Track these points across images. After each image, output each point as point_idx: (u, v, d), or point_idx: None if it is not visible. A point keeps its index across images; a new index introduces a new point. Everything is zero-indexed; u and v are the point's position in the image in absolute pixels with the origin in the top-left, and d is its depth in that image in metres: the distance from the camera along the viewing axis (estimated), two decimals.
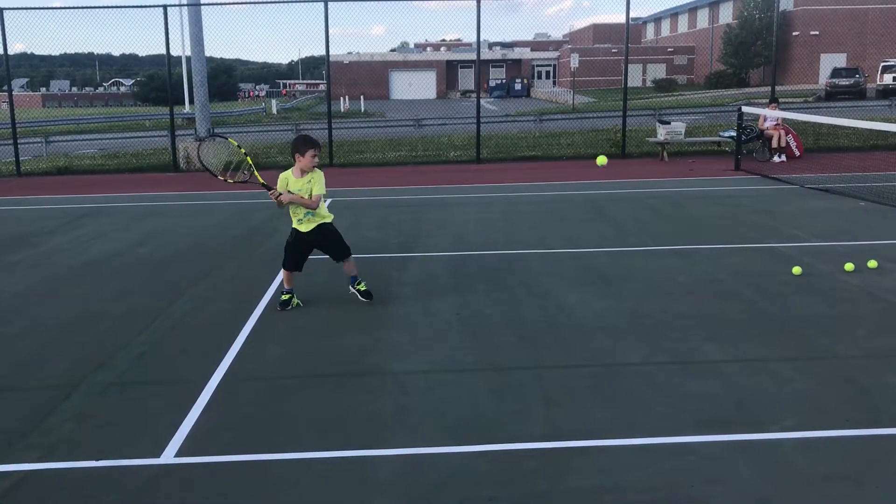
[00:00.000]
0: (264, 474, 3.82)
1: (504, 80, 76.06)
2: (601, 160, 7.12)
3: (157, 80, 76.94)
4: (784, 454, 3.87)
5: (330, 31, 18.01)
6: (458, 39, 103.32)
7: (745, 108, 16.80)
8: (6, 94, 18.90)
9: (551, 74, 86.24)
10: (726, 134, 18.20)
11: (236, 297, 7.10)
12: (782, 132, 17.09)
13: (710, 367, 5.07)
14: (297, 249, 6.63)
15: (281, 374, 5.17)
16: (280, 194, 6.39)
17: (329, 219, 6.60)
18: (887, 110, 27.49)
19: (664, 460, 3.84)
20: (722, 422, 4.25)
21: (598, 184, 14.32)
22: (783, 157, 16.97)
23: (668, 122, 18.82)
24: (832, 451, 3.90)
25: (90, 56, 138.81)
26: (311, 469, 3.86)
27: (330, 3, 17.78)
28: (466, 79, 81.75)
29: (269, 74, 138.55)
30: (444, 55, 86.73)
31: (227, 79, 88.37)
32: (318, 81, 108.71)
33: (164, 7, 18.00)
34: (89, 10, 19.74)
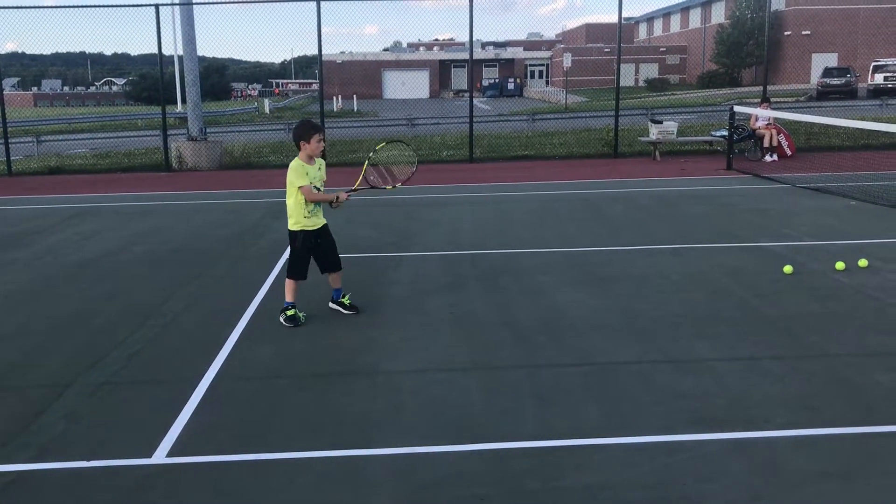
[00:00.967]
0: (257, 474, 3.82)
1: (497, 80, 76.15)
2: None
3: (149, 80, 76.74)
4: (776, 452, 3.89)
5: (323, 30, 17.99)
6: (451, 39, 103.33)
7: (736, 108, 16.84)
8: None
9: (544, 74, 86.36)
10: (718, 133, 18.24)
11: (229, 297, 7.09)
12: (774, 131, 17.14)
13: (703, 366, 5.09)
14: (305, 255, 6.18)
15: (273, 374, 5.16)
16: (338, 197, 6.14)
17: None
18: (878, 110, 27.60)
19: (657, 458, 3.85)
20: (714, 420, 4.26)
21: (590, 183, 14.34)
22: (775, 157, 17.02)
23: (661, 122, 18.85)
24: (824, 448, 3.92)
25: (82, 55, 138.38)
26: (304, 468, 3.86)
27: (322, 3, 17.74)
28: (459, 78, 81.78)
29: (261, 74, 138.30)
30: (436, 55, 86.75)
31: (219, 78, 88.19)
32: (310, 81, 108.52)
33: (156, 6, 17.94)
34: (81, 9, 19.61)
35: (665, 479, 3.64)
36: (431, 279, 7.53)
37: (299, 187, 6.02)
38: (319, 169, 6.15)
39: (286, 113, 47.09)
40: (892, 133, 16.99)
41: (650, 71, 73.36)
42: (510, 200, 12.59)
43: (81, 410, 4.63)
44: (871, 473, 3.66)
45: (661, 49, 77.67)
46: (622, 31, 19.76)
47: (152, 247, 9.46)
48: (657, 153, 18.19)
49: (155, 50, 18.53)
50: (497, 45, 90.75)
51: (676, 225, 10.01)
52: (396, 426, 4.31)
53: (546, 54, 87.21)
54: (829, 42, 56.12)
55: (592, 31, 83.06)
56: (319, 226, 6.21)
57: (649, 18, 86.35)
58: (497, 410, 4.47)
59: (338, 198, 6.19)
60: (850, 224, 9.73)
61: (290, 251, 6.28)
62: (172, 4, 21.11)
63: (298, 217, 6.12)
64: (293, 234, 6.21)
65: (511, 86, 73.60)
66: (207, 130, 20.05)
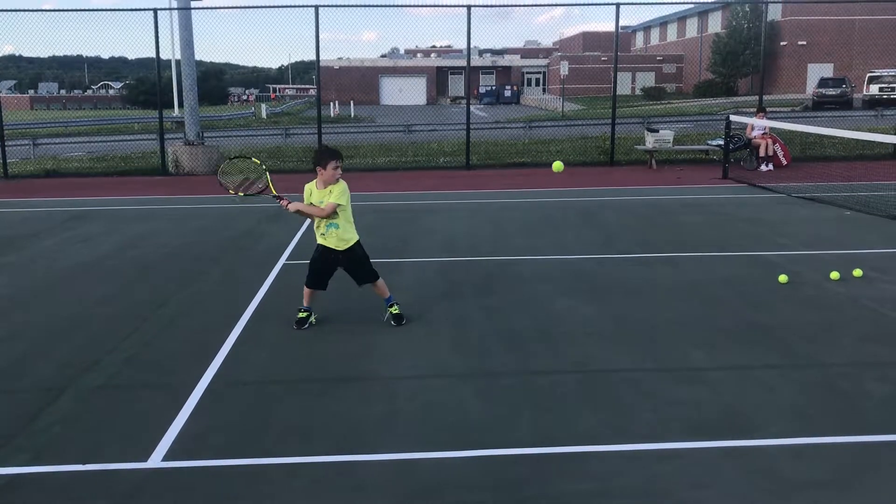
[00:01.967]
0: (253, 479, 3.82)
1: (494, 87, 76.24)
2: (557, 166, 7.03)
3: (146, 84, 76.65)
4: (770, 460, 3.91)
5: (320, 36, 17.99)
6: (449, 46, 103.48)
7: (732, 117, 16.91)
8: None
9: (541, 81, 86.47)
10: (714, 142, 18.32)
11: (225, 302, 7.09)
12: (769, 141, 17.21)
13: (697, 374, 5.11)
14: (321, 267, 6.25)
15: (269, 379, 5.17)
16: (288, 203, 6.11)
17: (354, 240, 6.26)
18: (873, 120, 27.70)
19: (652, 466, 3.86)
20: (709, 428, 4.28)
21: (586, 191, 14.38)
22: (770, 166, 17.08)
23: (657, 130, 18.92)
24: (817, 457, 3.94)
25: (79, 58, 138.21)
26: (300, 474, 3.87)
27: (321, 9, 17.78)
28: (456, 85, 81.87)
29: (258, 79, 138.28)
30: (434, 61, 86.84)
31: (216, 82, 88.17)
32: (308, 86, 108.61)
33: (155, 10, 17.96)
34: (78, 12, 19.63)
35: (659, 487, 3.66)
36: (427, 286, 7.55)
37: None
38: (330, 192, 6.03)
39: (283, 118, 47.09)
40: (887, 144, 17.10)
41: (647, 79, 73.54)
42: (507, 208, 12.61)
43: (77, 414, 4.63)
44: (864, 483, 3.68)
45: (658, 58, 77.89)
46: (619, 40, 19.84)
47: (148, 251, 9.46)
48: (653, 162, 18.24)
49: (152, 54, 18.55)
50: (494, 52, 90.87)
51: (672, 233, 10.04)
52: (392, 432, 4.32)
53: (543, 62, 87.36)
54: (824, 52, 56.34)
55: (589, 40, 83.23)
56: (342, 247, 6.19)
57: (646, 27, 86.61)
58: (492, 417, 4.48)
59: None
60: (844, 234, 9.77)
61: (310, 261, 6.36)
62: (171, 9, 21.14)
63: (316, 234, 6.27)
64: (317, 246, 6.33)
65: (508, 93, 73.73)
66: (204, 135, 20.04)
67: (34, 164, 21.21)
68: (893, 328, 6.01)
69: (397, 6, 29.63)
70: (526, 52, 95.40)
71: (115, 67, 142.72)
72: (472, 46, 19.05)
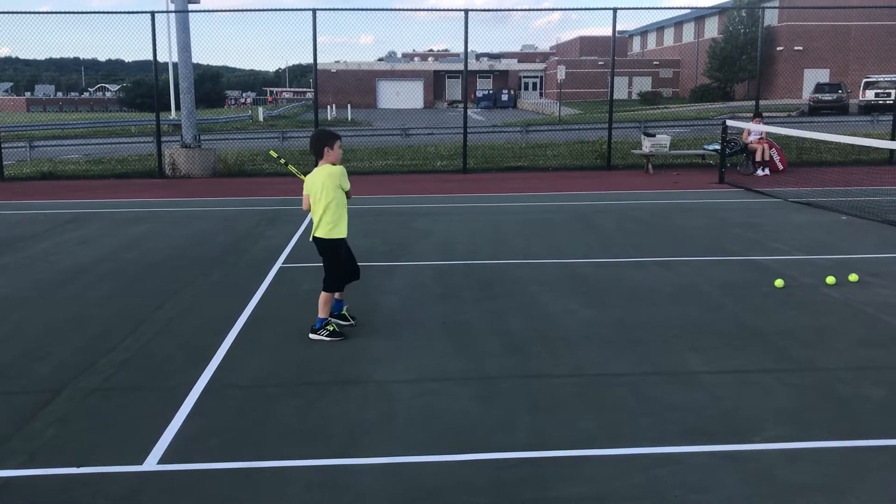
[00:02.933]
0: (248, 482, 3.81)
1: (491, 91, 76.31)
2: None
3: (143, 86, 76.69)
4: (767, 464, 3.90)
5: (318, 39, 18.04)
6: (446, 50, 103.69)
7: (729, 122, 16.94)
8: None
9: (538, 86, 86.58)
10: (711, 147, 18.35)
11: (222, 304, 7.08)
12: (766, 146, 17.25)
13: (694, 378, 5.11)
14: (348, 263, 6.10)
15: (265, 382, 5.16)
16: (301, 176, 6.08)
17: None
18: (869, 126, 27.80)
19: (649, 470, 3.86)
20: (706, 432, 4.28)
21: (583, 195, 14.40)
22: (766, 171, 17.12)
23: (654, 135, 18.95)
24: (814, 461, 3.94)
25: (76, 61, 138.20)
26: (296, 477, 3.86)
27: (318, 12, 17.80)
28: (454, 89, 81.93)
29: (255, 82, 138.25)
30: (431, 65, 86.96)
31: (213, 85, 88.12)
32: (305, 90, 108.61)
33: (152, 13, 17.96)
34: (75, 15, 19.63)
35: (656, 491, 3.66)
36: (424, 289, 7.54)
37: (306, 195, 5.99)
38: (341, 175, 6.01)
39: (280, 121, 47.11)
40: (883, 149, 17.15)
41: (643, 84, 73.69)
42: (503, 211, 12.62)
43: (73, 416, 4.61)
44: (861, 487, 3.68)
45: (655, 62, 78.05)
46: (616, 45, 19.88)
47: (145, 253, 9.44)
48: (650, 166, 18.27)
49: (149, 56, 18.60)
50: (491, 56, 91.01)
51: (668, 238, 10.05)
52: (388, 435, 4.31)
53: (540, 66, 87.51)
54: (821, 58, 56.50)
55: (586, 44, 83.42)
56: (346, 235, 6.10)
57: (643, 32, 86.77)
58: (490, 420, 4.48)
59: None
60: (840, 239, 9.79)
61: (332, 261, 6.03)
62: (168, 12, 21.14)
63: (344, 224, 6.00)
64: (335, 243, 6.00)
65: (505, 97, 73.80)
66: (201, 138, 20.04)
67: (31, 166, 21.18)
68: (889, 332, 6.02)
69: (395, 10, 29.66)
70: (523, 57, 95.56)
71: (112, 70, 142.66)
72: (469, 50, 19.09)
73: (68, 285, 7.93)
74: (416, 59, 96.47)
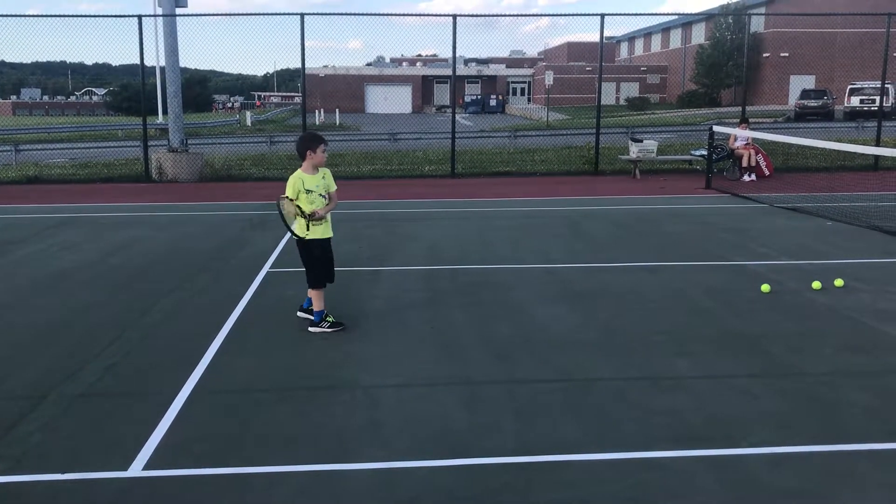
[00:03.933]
0: (234, 488, 3.80)
1: (479, 96, 76.46)
2: None
3: (130, 90, 76.24)
4: (751, 470, 3.92)
5: (306, 44, 17.96)
6: (434, 55, 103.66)
7: (716, 128, 17.04)
8: None
9: (526, 91, 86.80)
10: (697, 152, 18.45)
11: (208, 310, 7.06)
12: (752, 151, 17.35)
13: (680, 383, 5.13)
14: (327, 257, 6.31)
15: (252, 388, 5.14)
16: (317, 213, 6.08)
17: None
18: (854, 132, 27.98)
19: (634, 475, 3.87)
20: (691, 437, 4.30)
21: (570, 200, 14.44)
22: (753, 176, 17.22)
23: (641, 140, 19.03)
24: (799, 466, 3.96)
25: (62, 64, 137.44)
26: (283, 483, 3.85)
27: (306, 17, 17.79)
28: (442, 94, 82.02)
29: (243, 86, 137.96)
30: (419, 70, 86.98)
31: (201, 90, 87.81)
32: (293, 94, 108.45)
33: (139, 17, 17.90)
34: (62, 18, 19.55)
35: (640, 496, 3.67)
36: (411, 294, 7.54)
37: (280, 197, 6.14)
38: (324, 178, 6.22)
39: (268, 126, 47.00)
40: (868, 155, 17.28)
41: (631, 90, 73.96)
42: (491, 216, 12.63)
43: (57, 422, 4.58)
44: (845, 492, 3.70)
45: (642, 68, 78.39)
46: (604, 50, 19.97)
47: (131, 258, 9.40)
48: (637, 171, 18.34)
49: (136, 60, 18.48)
50: (479, 61, 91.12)
51: (655, 242, 10.09)
52: (375, 440, 4.30)
53: (528, 72, 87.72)
54: (806, 64, 56.85)
55: (574, 50, 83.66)
56: (327, 234, 6.31)
57: (631, 38, 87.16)
58: (476, 425, 4.48)
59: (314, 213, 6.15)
60: (826, 244, 9.86)
61: (309, 261, 6.29)
62: (155, 16, 21.08)
63: (304, 227, 6.15)
64: (308, 244, 6.24)
65: (493, 102, 73.95)
66: (188, 142, 19.97)
67: (16, 170, 21.04)
68: (874, 338, 6.07)
69: (383, 14, 29.65)
70: (511, 62, 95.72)
71: (99, 74, 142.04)
72: (457, 56, 19.11)
73: (53, 290, 7.88)
74: (404, 63, 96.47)
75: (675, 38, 74.67)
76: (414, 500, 3.67)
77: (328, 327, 6.24)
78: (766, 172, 17.66)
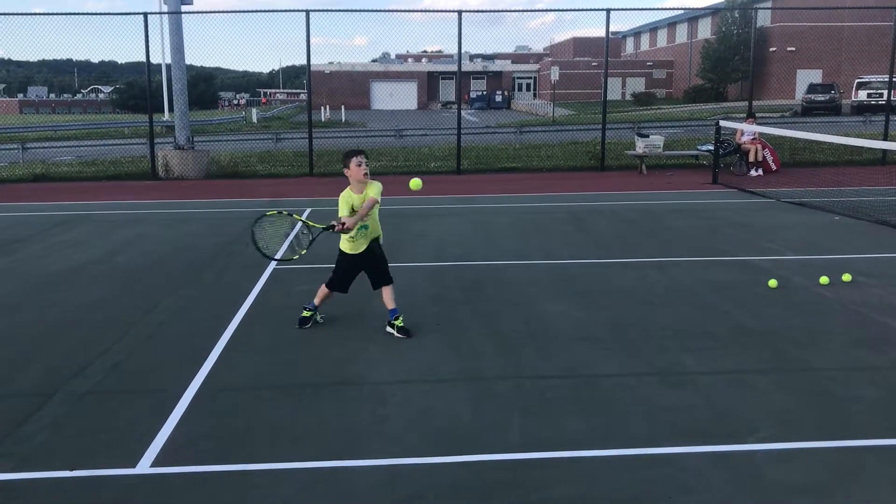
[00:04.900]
0: (241, 484, 3.81)
1: (485, 92, 76.40)
2: (414, 183, 6.24)
3: (136, 88, 76.37)
4: (759, 465, 3.91)
5: (311, 40, 17.97)
6: (440, 51, 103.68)
7: (722, 123, 16.98)
8: None
9: (532, 87, 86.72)
10: (704, 148, 18.39)
11: (214, 307, 7.07)
12: (759, 146, 17.29)
13: (687, 379, 5.12)
14: (350, 272, 6.16)
15: (258, 384, 5.15)
16: (343, 223, 5.77)
17: (380, 234, 6.16)
18: (862, 126, 27.88)
19: (641, 471, 3.86)
20: (698, 433, 4.28)
21: (577, 196, 14.41)
22: (760, 171, 17.16)
23: (647, 136, 18.98)
24: (806, 462, 3.95)
25: (69, 62, 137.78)
26: (289, 479, 3.85)
27: (311, 13, 17.79)
28: (447, 90, 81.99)
29: (249, 83, 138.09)
30: (425, 66, 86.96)
31: (206, 87, 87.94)
32: (298, 91, 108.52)
33: (145, 14, 17.92)
34: (69, 16, 19.57)
35: (648, 492, 3.66)
36: (418, 290, 7.54)
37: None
38: (366, 196, 5.89)
39: (273, 123, 47.03)
40: (876, 149, 17.21)
41: (637, 85, 73.83)
42: (497, 212, 12.62)
43: (64, 420, 4.60)
44: (852, 487, 3.69)
45: (648, 63, 78.20)
46: (609, 46, 19.91)
47: (138, 256, 9.42)
48: (643, 167, 18.30)
49: (142, 58, 18.49)
50: (485, 57, 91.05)
51: (662, 238, 10.06)
52: (381, 437, 4.30)
53: (534, 67, 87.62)
54: (813, 58, 56.68)
55: (580, 45, 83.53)
56: (364, 248, 6.05)
57: (636, 33, 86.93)
58: (482, 422, 4.48)
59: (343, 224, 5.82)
60: (833, 239, 9.82)
61: (336, 267, 6.24)
62: (161, 13, 21.11)
63: (343, 239, 6.10)
64: (340, 254, 6.20)
65: (499, 98, 73.87)
66: (194, 139, 20.00)
67: (23, 168, 21.11)
68: (882, 333, 6.04)
69: (388, 11, 29.67)
70: (517, 58, 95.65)
71: (105, 72, 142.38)
72: (462, 52, 19.08)
73: (60, 288, 7.90)
74: (409, 60, 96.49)
75: (681, 33, 74.45)
76: (420, 495, 3.67)
77: (302, 319, 6.29)
78: (773, 167, 17.61)
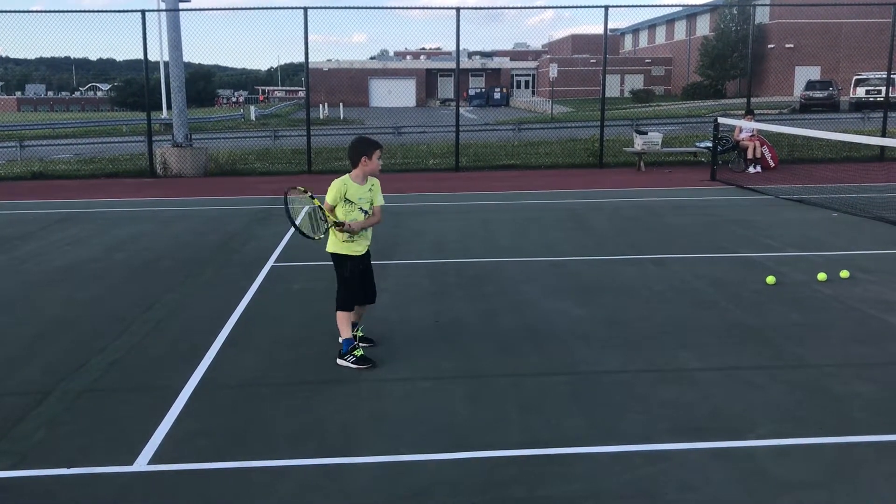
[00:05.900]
0: (239, 482, 3.80)
1: (483, 89, 76.33)
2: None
3: (134, 85, 76.37)
4: (758, 461, 3.91)
5: (310, 38, 17.96)
6: (438, 48, 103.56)
7: (721, 120, 16.98)
8: None
9: (530, 84, 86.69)
10: (702, 144, 18.38)
11: (213, 304, 7.06)
12: (757, 143, 17.28)
13: (686, 375, 5.11)
14: (355, 276, 5.40)
15: (256, 382, 5.14)
16: (348, 225, 5.22)
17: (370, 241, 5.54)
18: (860, 123, 27.87)
19: (640, 467, 3.86)
20: (697, 429, 4.28)
21: (575, 193, 14.40)
22: (758, 168, 17.16)
23: (646, 133, 18.97)
24: (805, 458, 3.95)
25: (67, 60, 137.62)
26: (288, 477, 3.84)
27: (310, 10, 17.76)
28: (446, 87, 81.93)
29: (247, 80, 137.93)
30: (423, 63, 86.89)
31: (205, 84, 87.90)
32: (297, 88, 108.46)
33: (143, 12, 17.89)
34: (67, 13, 19.55)
35: (647, 488, 3.66)
36: (417, 287, 7.53)
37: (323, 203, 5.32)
38: (370, 189, 5.36)
39: (272, 120, 46.98)
40: (874, 146, 17.22)
41: (635, 82, 73.81)
42: (496, 209, 12.62)
43: (62, 417, 4.59)
44: (852, 483, 3.69)
45: (647, 60, 78.18)
46: (608, 43, 19.90)
47: (135, 253, 9.41)
48: (642, 164, 18.29)
49: (140, 55, 18.48)
50: (483, 54, 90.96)
51: (660, 235, 10.06)
52: (380, 434, 4.30)
53: (532, 64, 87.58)
54: (812, 55, 56.66)
55: (578, 42, 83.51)
56: (365, 250, 5.48)
57: (635, 30, 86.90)
58: (481, 419, 4.47)
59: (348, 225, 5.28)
60: (832, 235, 9.82)
61: (339, 278, 5.46)
62: (159, 11, 21.08)
63: (337, 240, 5.36)
64: (339, 259, 5.43)
65: (497, 95, 73.83)
66: (193, 137, 19.97)
67: (21, 166, 21.07)
68: (880, 329, 6.04)
69: (387, 8, 29.60)
70: (515, 55, 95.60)
71: (104, 69, 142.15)
72: (461, 49, 19.07)
73: (58, 286, 7.89)
74: (408, 57, 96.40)
75: (680, 30, 74.43)
76: (420, 493, 3.66)
77: (353, 362, 5.29)
78: (772, 164, 17.60)
